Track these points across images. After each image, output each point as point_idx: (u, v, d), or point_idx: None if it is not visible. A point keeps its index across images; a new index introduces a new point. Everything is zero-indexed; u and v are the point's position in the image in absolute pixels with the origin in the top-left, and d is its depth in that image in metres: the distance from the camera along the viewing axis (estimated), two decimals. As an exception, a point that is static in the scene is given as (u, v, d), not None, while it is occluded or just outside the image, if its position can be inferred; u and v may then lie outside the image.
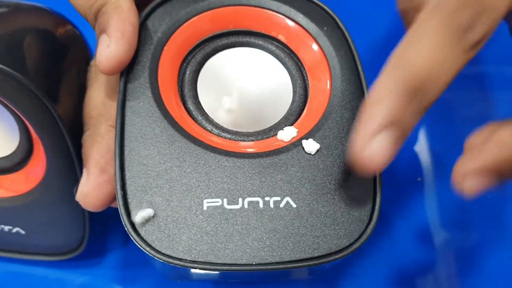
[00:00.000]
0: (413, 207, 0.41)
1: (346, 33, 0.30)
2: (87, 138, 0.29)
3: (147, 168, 0.26)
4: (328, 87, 0.29)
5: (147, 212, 0.25)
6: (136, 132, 0.27)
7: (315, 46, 0.30)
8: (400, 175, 0.43)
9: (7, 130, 0.31)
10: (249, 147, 0.28)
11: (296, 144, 0.27)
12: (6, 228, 0.34)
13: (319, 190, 0.26)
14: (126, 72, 0.28)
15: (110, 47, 0.26)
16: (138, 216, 0.25)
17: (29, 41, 0.29)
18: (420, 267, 0.40)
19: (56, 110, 0.27)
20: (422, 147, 0.44)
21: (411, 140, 0.45)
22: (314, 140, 0.27)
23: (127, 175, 0.26)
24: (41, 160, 0.31)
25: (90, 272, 0.37)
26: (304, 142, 0.27)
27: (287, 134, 0.28)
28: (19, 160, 0.32)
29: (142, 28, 0.29)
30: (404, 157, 0.44)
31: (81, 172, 0.29)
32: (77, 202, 0.28)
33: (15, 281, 0.37)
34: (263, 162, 0.27)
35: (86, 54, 0.33)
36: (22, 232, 0.34)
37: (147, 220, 0.25)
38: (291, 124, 0.29)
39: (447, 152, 0.44)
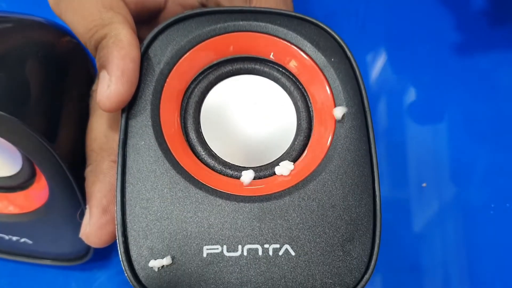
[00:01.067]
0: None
1: (354, 66, 0.29)
2: (89, 174, 0.29)
3: (148, 212, 0.26)
4: (333, 125, 0.28)
5: (166, 260, 0.25)
6: (138, 173, 0.27)
7: (321, 81, 0.29)
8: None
9: (10, 151, 0.31)
10: (252, 188, 0.28)
11: (297, 187, 0.27)
12: (14, 238, 0.35)
13: (318, 237, 0.26)
14: (128, 108, 0.27)
15: (110, 87, 0.26)
16: (157, 262, 0.25)
17: (28, 72, 0.28)
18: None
19: (55, 149, 0.27)
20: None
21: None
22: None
23: (128, 219, 0.26)
24: (44, 183, 0.31)
25: (96, 276, 0.38)
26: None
27: (284, 168, 0.28)
28: (23, 180, 0.33)
29: (144, 59, 0.28)
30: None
31: (83, 198, 0.29)
32: (81, 220, 0.29)
33: (25, 284, 0.38)
34: (263, 207, 0.27)
35: (88, 72, 0.32)
36: (30, 242, 0.35)
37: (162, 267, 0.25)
38: (295, 160, 0.29)
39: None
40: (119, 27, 0.27)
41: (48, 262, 0.37)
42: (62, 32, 0.32)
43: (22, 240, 0.35)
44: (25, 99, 0.27)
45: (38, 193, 0.32)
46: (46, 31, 0.31)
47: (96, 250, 0.36)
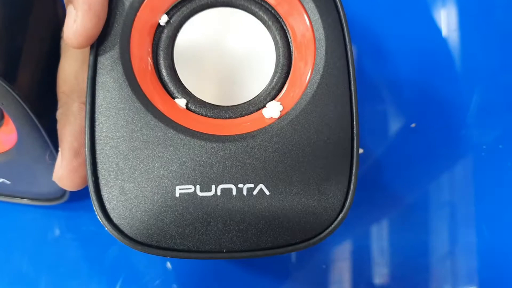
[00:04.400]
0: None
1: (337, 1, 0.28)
2: (60, 116, 0.28)
3: (118, 151, 0.25)
4: (312, 59, 0.27)
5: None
6: (107, 112, 0.26)
7: (300, 12, 0.28)
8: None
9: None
10: (226, 127, 0.27)
11: (274, 125, 0.26)
12: (-6, 178, 0.35)
13: (293, 176, 0.26)
14: (96, 44, 0.26)
15: (77, 22, 0.24)
16: None
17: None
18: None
19: (16, 90, 0.26)
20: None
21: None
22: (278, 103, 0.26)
23: (98, 159, 0.25)
24: (13, 126, 0.30)
25: (77, 215, 0.38)
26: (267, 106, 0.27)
27: (273, 110, 0.27)
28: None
29: None
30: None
31: (52, 140, 0.28)
32: (52, 161, 0.28)
33: (5, 223, 0.38)
34: (238, 146, 0.26)
35: (57, 10, 0.31)
36: (8, 182, 0.35)
37: None
38: (273, 98, 0.28)
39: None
40: None
41: (27, 201, 0.37)
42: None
43: (1, 180, 0.34)
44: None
45: (8, 135, 0.31)
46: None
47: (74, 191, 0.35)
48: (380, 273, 0.40)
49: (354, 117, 0.26)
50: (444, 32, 0.45)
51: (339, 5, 0.27)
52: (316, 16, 0.27)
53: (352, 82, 0.27)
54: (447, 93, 0.43)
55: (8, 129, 0.31)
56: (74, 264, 0.37)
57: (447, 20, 0.45)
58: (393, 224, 0.40)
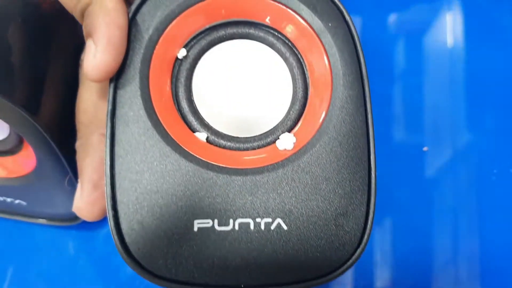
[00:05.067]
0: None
1: (353, 31, 0.28)
2: (79, 148, 0.28)
3: (138, 186, 0.26)
4: (328, 98, 0.28)
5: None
6: (127, 145, 0.26)
7: (319, 49, 0.28)
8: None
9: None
10: (244, 160, 0.27)
11: (291, 159, 0.27)
12: (8, 199, 0.35)
13: (311, 210, 0.26)
14: (116, 77, 0.26)
15: (97, 57, 0.25)
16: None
17: (11, 37, 0.27)
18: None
19: (38, 121, 0.26)
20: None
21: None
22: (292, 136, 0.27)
23: (118, 193, 0.26)
24: (32, 150, 0.30)
25: (90, 235, 0.38)
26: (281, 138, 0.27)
27: (288, 142, 0.27)
28: (12, 146, 0.32)
29: (132, 25, 0.27)
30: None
31: (71, 166, 0.29)
32: (70, 187, 0.29)
33: (22, 242, 0.38)
34: (256, 179, 0.26)
35: (76, 36, 0.31)
36: (24, 203, 0.35)
37: None
38: (289, 131, 0.28)
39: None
40: None
41: (43, 221, 0.37)
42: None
43: (17, 201, 0.35)
44: (7, 70, 0.26)
45: (27, 159, 0.31)
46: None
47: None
48: (382, 277, 0.40)
49: (371, 150, 0.26)
50: (458, 53, 0.44)
51: (356, 38, 0.28)
52: (334, 52, 0.27)
53: (369, 116, 0.27)
54: (460, 116, 0.42)
55: (27, 154, 0.31)
56: (89, 284, 0.38)
57: (461, 42, 0.45)
58: (396, 229, 0.40)
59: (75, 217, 0.36)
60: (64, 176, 0.29)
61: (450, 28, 0.46)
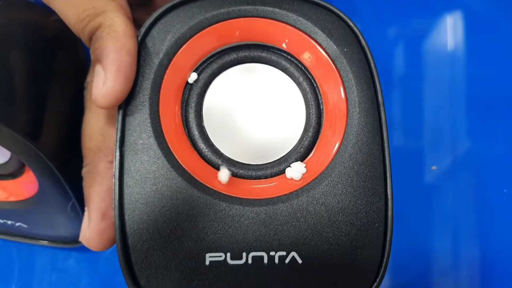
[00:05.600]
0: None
1: (369, 56, 0.27)
2: (86, 175, 0.27)
3: (148, 217, 0.25)
4: (342, 131, 0.27)
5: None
6: (136, 174, 0.25)
7: (336, 79, 0.27)
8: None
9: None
10: (256, 189, 0.26)
11: (305, 189, 0.26)
12: (9, 222, 0.34)
13: (326, 243, 0.25)
14: (125, 104, 0.25)
15: (106, 84, 0.24)
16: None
17: (13, 62, 0.26)
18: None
19: (40, 147, 0.25)
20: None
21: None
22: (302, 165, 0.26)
23: (127, 224, 0.25)
24: (33, 175, 0.29)
25: (93, 257, 0.38)
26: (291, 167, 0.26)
27: (297, 171, 0.26)
28: (13, 169, 0.31)
29: (141, 49, 0.26)
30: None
31: (73, 192, 0.28)
32: (73, 212, 0.28)
33: (24, 262, 0.37)
34: (269, 211, 0.25)
35: (79, 57, 0.30)
36: (25, 226, 0.34)
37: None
38: (302, 159, 0.27)
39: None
40: (113, 16, 0.24)
41: (45, 243, 0.36)
42: (50, 10, 0.29)
43: (18, 224, 0.34)
44: (8, 97, 0.24)
45: (28, 184, 0.30)
46: (31, 10, 0.28)
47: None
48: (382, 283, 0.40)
49: (388, 181, 0.26)
50: (468, 73, 0.44)
51: (372, 64, 0.27)
52: (350, 79, 0.26)
53: (385, 145, 0.26)
54: (460, 121, 0.42)
55: (29, 178, 0.31)
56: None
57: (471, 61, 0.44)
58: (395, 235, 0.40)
59: (77, 239, 0.35)
60: (67, 201, 0.28)
61: (450, 33, 0.45)
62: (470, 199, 0.41)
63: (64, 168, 0.27)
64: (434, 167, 0.41)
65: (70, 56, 0.29)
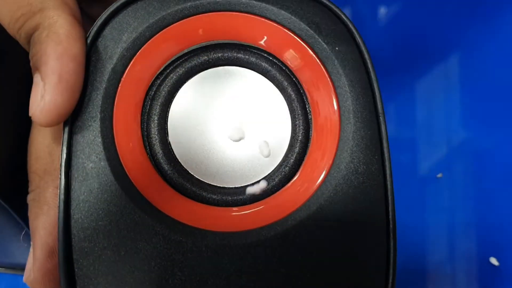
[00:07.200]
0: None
1: (365, 55, 0.23)
2: (32, 203, 0.23)
3: (102, 264, 0.21)
4: (337, 132, 0.22)
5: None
6: (85, 206, 0.21)
7: (327, 87, 0.22)
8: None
9: None
10: (232, 219, 0.22)
11: (293, 217, 0.21)
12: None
13: (315, 283, 0.21)
14: (71, 120, 0.21)
15: (45, 98, 0.20)
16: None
17: None
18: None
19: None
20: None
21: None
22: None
23: (76, 271, 0.21)
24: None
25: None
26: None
27: (258, 188, 0.22)
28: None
29: (91, 54, 0.22)
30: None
31: (25, 220, 0.24)
32: (26, 243, 0.24)
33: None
34: (250, 246, 0.21)
35: (26, 69, 0.25)
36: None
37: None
38: (287, 180, 0.23)
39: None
40: (53, 15, 0.20)
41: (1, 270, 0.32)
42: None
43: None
44: None
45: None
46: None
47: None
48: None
49: (390, 208, 0.21)
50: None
51: (369, 64, 0.22)
52: (343, 84, 0.22)
53: (386, 164, 0.22)
54: (477, 142, 0.39)
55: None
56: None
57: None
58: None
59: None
60: (18, 231, 0.24)
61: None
62: (466, 190, 0.40)
63: (11, 197, 0.23)
64: (439, 175, 0.37)
65: (16, 64, 0.24)
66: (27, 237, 0.26)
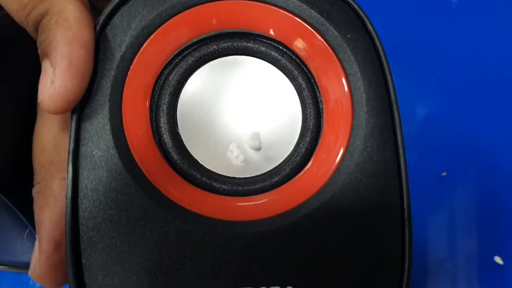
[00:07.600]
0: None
1: (377, 43, 0.22)
2: (37, 196, 0.23)
3: (111, 252, 0.20)
4: (349, 121, 0.22)
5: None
6: (94, 195, 0.20)
7: (337, 70, 0.22)
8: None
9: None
10: (242, 209, 0.21)
11: (303, 207, 0.21)
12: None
13: (328, 272, 0.20)
14: (80, 107, 0.21)
15: (55, 84, 0.19)
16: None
17: None
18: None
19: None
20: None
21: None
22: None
23: (84, 260, 0.20)
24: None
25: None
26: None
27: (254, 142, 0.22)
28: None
29: (101, 41, 0.21)
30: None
31: (28, 218, 0.23)
32: (30, 242, 0.23)
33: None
34: (259, 236, 0.20)
35: (30, 62, 0.25)
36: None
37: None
38: (298, 170, 0.22)
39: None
40: (62, 0, 0.20)
41: (4, 268, 0.31)
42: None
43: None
44: None
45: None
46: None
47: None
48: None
49: (405, 197, 0.21)
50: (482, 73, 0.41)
51: (381, 51, 0.22)
52: (355, 71, 0.22)
53: (400, 152, 0.21)
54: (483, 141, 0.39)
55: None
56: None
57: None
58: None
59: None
60: (22, 230, 0.23)
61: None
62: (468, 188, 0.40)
63: (14, 193, 0.23)
64: (444, 173, 0.37)
65: (21, 57, 0.24)
66: (31, 236, 0.26)
